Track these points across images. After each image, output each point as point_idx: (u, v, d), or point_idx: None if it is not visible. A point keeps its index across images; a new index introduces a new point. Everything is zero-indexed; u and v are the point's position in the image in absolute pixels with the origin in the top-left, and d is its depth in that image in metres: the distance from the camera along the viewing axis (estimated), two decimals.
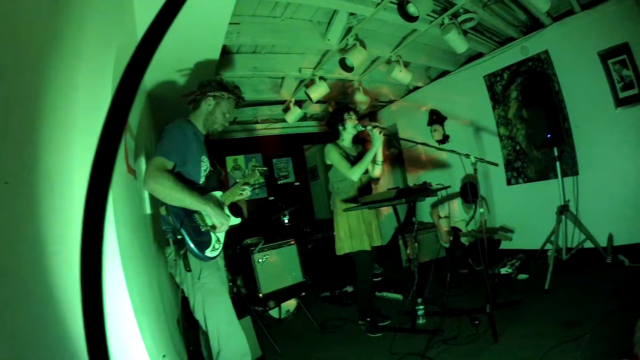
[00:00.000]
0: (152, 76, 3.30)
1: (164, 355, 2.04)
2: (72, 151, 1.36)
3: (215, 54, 3.32)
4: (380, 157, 3.51)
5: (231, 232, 2.41)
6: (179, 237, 2.13)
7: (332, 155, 3.49)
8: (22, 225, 1.04)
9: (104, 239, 0.36)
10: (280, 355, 3.29)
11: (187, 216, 2.15)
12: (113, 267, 1.57)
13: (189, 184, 2.16)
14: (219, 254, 2.32)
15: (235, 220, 2.44)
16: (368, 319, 3.57)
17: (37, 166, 1.13)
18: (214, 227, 2.24)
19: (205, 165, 2.37)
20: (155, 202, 2.31)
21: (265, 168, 2.75)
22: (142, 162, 2.64)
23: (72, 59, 1.42)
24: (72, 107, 1.39)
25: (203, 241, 2.18)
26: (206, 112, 2.43)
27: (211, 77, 2.47)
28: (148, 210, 2.66)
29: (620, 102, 4.19)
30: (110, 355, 0.38)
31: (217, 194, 2.41)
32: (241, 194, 2.52)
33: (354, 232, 3.47)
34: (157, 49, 0.38)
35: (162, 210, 2.17)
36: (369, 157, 3.37)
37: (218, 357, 2.24)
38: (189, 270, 2.17)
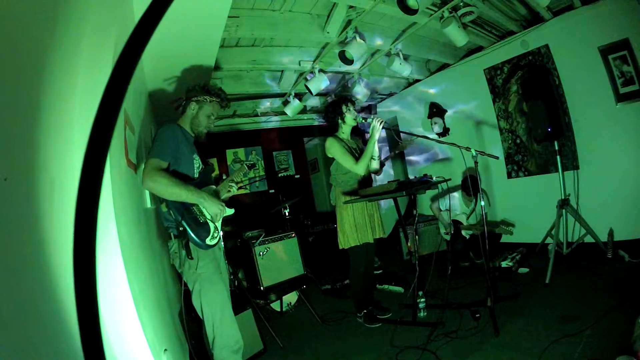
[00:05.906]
0: (153, 72, 3.27)
1: (165, 349, 2.04)
2: (71, 141, 1.35)
3: (214, 49, 3.28)
4: (376, 152, 3.51)
5: (231, 223, 2.51)
6: (180, 229, 2.25)
7: (335, 149, 3.47)
8: (20, 220, 1.02)
9: (96, 232, 0.36)
10: (282, 348, 3.31)
11: (186, 209, 2.28)
12: (114, 261, 1.56)
13: (184, 180, 2.31)
14: (218, 242, 2.45)
15: (230, 211, 2.64)
16: (365, 311, 3.58)
17: (36, 159, 1.12)
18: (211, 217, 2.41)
19: (197, 163, 2.52)
20: (156, 197, 2.44)
21: (251, 162, 3.09)
22: (143, 157, 2.63)
23: (72, 46, 1.41)
24: (71, 95, 1.38)
25: (203, 230, 2.31)
26: (191, 116, 2.56)
27: (198, 82, 2.58)
28: (148, 204, 2.66)
29: (620, 98, 4.19)
30: (104, 351, 0.37)
31: (211, 188, 2.57)
32: (229, 190, 2.69)
33: (360, 225, 3.46)
34: (151, 35, 0.37)
35: (163, 207, 2.31)
36: (370, 148, 3.36)
37: (214, 344, 2.37)
38: (191, 258, 2.29)
